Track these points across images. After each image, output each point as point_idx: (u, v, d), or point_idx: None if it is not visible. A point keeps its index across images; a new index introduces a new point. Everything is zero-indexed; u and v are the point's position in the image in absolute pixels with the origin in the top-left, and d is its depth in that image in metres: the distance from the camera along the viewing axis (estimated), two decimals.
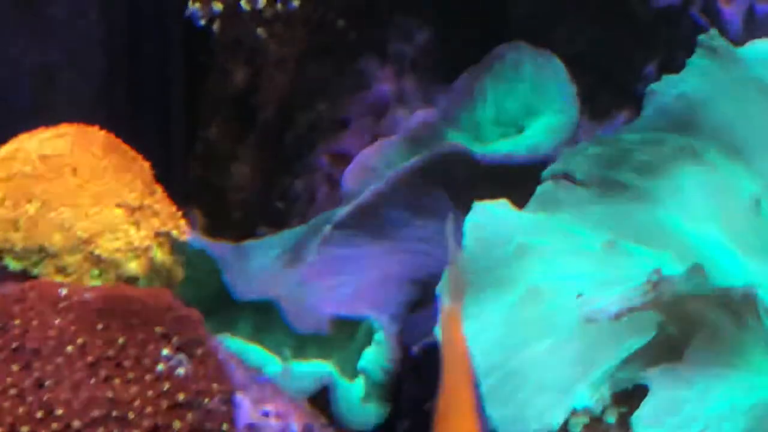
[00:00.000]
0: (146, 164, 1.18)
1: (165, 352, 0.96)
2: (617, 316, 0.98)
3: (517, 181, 1.20)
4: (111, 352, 0.95)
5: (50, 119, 1.20)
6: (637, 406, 0.97)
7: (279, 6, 1.45)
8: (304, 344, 1.26)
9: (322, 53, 1.49)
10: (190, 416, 0.95)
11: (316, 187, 1.48)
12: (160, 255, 1.12)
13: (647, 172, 1.16)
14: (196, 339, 0.98)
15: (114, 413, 0.93)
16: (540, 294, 1.06)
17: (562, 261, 1.09)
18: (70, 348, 0.95)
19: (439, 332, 0.92)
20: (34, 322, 0.96)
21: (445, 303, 0.89)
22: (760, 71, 1.17)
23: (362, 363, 1.21)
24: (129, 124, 1.46)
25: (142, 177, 1.16)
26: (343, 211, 1.25)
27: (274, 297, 1.25)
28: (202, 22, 1.44)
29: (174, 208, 1.17)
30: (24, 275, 1.07)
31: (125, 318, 0.97)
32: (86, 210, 1.10)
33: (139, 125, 1.50)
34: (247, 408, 1.01)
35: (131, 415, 0.93)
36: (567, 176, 1.16)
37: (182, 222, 1.16)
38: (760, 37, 1.23)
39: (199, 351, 0.98)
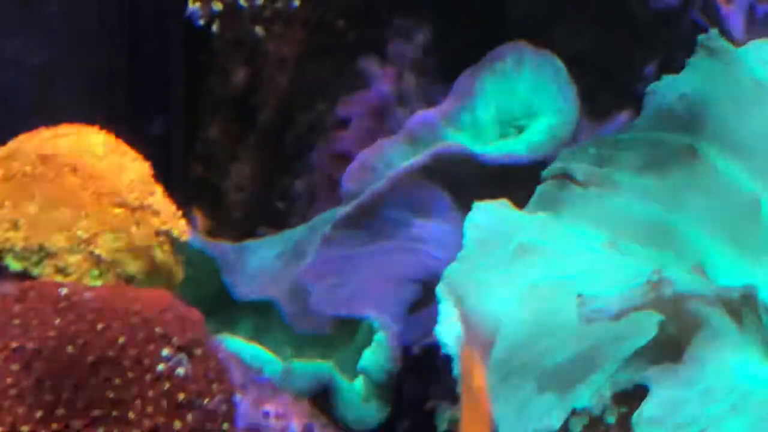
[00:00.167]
0: (146, 164, 1.18)
1: (165, 352, 0.96)
2: (617, 316, 0.98)
3: (517, 181, 1.20)
4: (111, 352, 0.95)
5: (50, 119, 1.20)
6: (637, 406, 0.97)
7: (279, 4, 1.45)
8: (304, 344, 1.26)
9: (322, 53, 1.49)
10: (190, 416, 0.95)
11: (316, 187, 1.48)
12: (160, 255, 1.12)
13: (647, 172, 1.16)
14: (196, 339, 0.98)
15: (114, 413, 0.93)
16: (540, 294, 1.06)
17: (562, 261, 1.09)
18: (70, 348, 0.95)
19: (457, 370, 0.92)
20: (34, 322, 0.96)
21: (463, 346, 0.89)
22: (760, 71, 1.17)
23: (362, 363, 1.21)
24: (129, 124, 1.46)
25: (142, 177, 1.16)
26: (343, 211, 1.25)
27: (274, 297, 1.25)
28: (202, 21, 1.44)
29: (174, 208, 1.17)
30: (24, 275, 1.07)
31: (125, 318, 0.97)
32: (86, 210, 1.10)
33: (139, 125, 1.50)
34: (247, 408, 1.01)
35: (131, 415, 0.93)
36: (567, 176, 1.16)
37: (182, 222, 1.16)
38: (760, 37, 1.23)
39: (199, 351, 0.98)
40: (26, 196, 1.10)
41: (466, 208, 1.14)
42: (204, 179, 1.57)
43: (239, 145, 1.54)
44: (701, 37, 1.18)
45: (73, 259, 1.08)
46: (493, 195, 1.15)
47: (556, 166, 1.17)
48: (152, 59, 1.52)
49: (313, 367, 1.23)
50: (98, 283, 1.08)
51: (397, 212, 1.25)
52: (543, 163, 1.21)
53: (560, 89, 1.31)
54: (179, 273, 1.15)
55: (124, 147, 1.19)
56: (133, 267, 1.10)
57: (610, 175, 1.16)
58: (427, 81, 1.46)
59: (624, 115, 1.41)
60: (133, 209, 1.12)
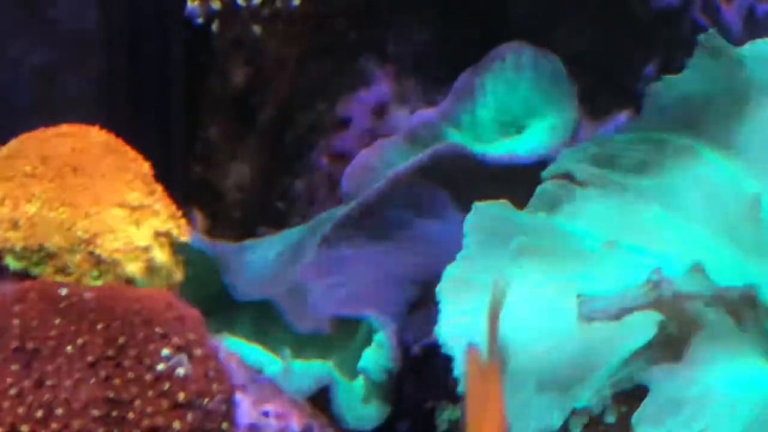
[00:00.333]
0: (146, 164, 1.18)
1: (165, 352, 0.96)
2: (617, 316, 0.98)
3: (517, 181, 1.20)
4: (111, 352, 0.95)
5: (50, 119, 1.20)
6: (637, 406, 0.97)
7: (278, 4, 1.45)
8: (304, 344, 1.26)
9: (322, 53, 1.49)
10: (190, 416, 0.95)
11: (316, 187, 1.48)
12: (160, 255, 1.12)
13: (647, 172, 1.16)
14: (196, 339, 0.98)
15: (114, 413, 0.93)
16: (540, 294, 1.06)
17: (562, 261, 1.09)
18: (70, 348, 0.95)
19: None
20: (34, 322, 0.96)
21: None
22: (760, 71, 1.17)
23: (362, 363, 1.21)
24: (129, 124, 1.46)
25: (142, 177, 1.16)
26: (343, 211, 1.25)
27: (274, 297, 1.25)
28: (200, 20, 1.44)
29: (174, 208, 1.17)
30: (24, 275, 1.07)
31: (125, 318, 0.97)
32: (86, 210, 1.10)
33: (139, 125, 1.50)
34: (247, 408, 1.01)
35: (131, 415, 0.93)
36: (567, 176, 1.16)
37: (182, 222, 1.16)
38: (760, 37, 1.23)
39: (199, 351, 0.98)
40: (26, 196, 1.10)
41: (466, 208, 1.14)
42: (204, 179, 1.57)
43: (239, 145, 1.54)
44: (701, 37, 1.17)
45: (73, 259, 1.08)
46: (493, 195, 1.15)
47: (556, 166, 1.17)
48: (152, 59, 1.52)
49: (313, 367, 1.23)
50: (98, 283, 1.08)
51: (397, 212, 1.25)
52: (543, 163, 1.21)
53: (560, 89, 1.31)
54: (179, 273, 1.15)
55: (124, 147, 1.19)
56: (133, 267, 1.10)
57: (610, 175, 1.15)
58: (427, 81, 1.46)
59: (624, 115, 1.41)
60: (133, 209, 1.12)
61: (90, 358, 0.95)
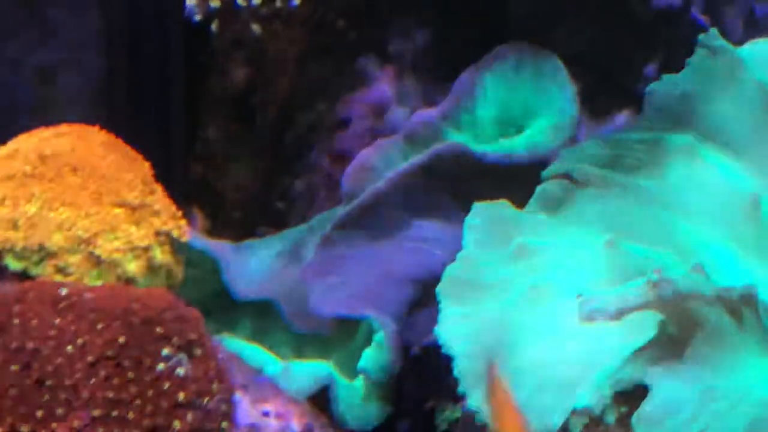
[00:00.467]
0: (146, 164, 1.18)
1: (165, 352, 0.96)
2: (617, 316, 0.98)
3: (517, 181, 1.20)
4: (111, 352, 0.95)
5: (50, 119, 1.20)
6: (637, 406, 0.97)
7: (278, 3, 1.45)
8: (304, 344, 1.26)
9: (322, 53, 1.49)
10: (190, 416, 0.95)
11: (316, 187, 1.48)
12: (160, 255, 1.12)
13: (647, 172, 1.15)
14: (196, 339, 0.98)
15: (114, 413, 0.93)
16: (540, 294, 1.06)
17: (562, 261, 1.09)
18: (70, 348, 0.95)
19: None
20: (34, 322, 0.96)
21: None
22: (760, 71, 1.17)
23: (362, 363, 1.21)
24: (129, 124, 1.46)
25: (142, 177, 1.16)
26: (343, 211, 1.25)
27: (274, 297, 1.25)
28: (198, 17, 1.44)
29: (174, 208, 1.17)
30: (24, 275, 1.07)
31: (125, 318, 0.97)
32: (86, 210, 1.10)
33: (139, 125, 1.50)
34: (247, 408, 1.01)
35: (131, 415, 0.93)
36: (567, 176, 1.16)
37: (182, 222, 1.16)
38: (760, 37, 1.23)
39: (199, 351, 0.98)
40: (26, 196, 1.10)
41: (465, 208, 1.14)
42: (204, 179, 1.57)
43: (239, 145, 1.54)
44: (701, 36, 1.18)
45: (73, 259, 1.08)
46: (493, 195, 1.15)
47: (556, 166, 1.17)
48: (152, 59, 1.52)
49: (313, 367, 1.23)
50: (98, 283, 1.08)
51: (397, 212, 1.25)
52: (543, 163, 1.21)
53: (560, 89, 1.31)
54: (179, 273, 1.15)
55: (124, 147, 1.19)
56: (133, 267, 1.10)
57: (610, 175, 1.15)
58: (427, 81, 1.46)
59: (624, 115, 1.41)
60: (133, 209, 1.12)
61: (90, 358, 0.95)
